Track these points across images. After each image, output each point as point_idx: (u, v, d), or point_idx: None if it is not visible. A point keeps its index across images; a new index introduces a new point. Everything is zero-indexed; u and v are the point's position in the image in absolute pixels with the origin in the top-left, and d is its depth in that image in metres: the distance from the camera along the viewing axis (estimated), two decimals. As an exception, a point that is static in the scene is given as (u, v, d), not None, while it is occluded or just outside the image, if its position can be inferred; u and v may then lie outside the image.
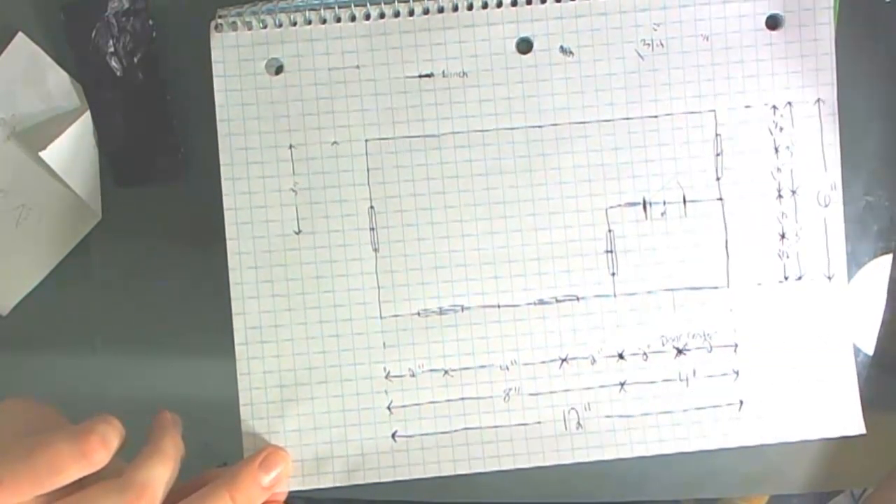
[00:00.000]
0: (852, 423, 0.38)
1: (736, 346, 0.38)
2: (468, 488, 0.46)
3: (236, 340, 0.37)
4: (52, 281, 0.44)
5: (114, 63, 0.40)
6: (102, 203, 0.43)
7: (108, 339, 0.39)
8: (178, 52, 0.40)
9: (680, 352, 0.37)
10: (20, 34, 0.41)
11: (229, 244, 0.37)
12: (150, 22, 0.40)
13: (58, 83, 0.41)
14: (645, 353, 0.37)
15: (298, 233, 0.37)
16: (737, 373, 0.38)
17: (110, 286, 0.44)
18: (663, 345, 0.38)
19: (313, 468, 0.37)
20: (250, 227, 0.37)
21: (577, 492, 0.46)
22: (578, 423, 0.37)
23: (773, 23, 0.37)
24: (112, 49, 0.40)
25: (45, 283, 0.44)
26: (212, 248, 0.43)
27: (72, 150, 0.41)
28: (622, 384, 0.37)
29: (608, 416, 0.37)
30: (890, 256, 0.42)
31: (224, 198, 0.38)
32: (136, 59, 0.40)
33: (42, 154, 0.41)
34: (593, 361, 0.37)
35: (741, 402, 0.38)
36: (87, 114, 0.41)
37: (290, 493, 0.43)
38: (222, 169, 0.37)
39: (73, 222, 0.43)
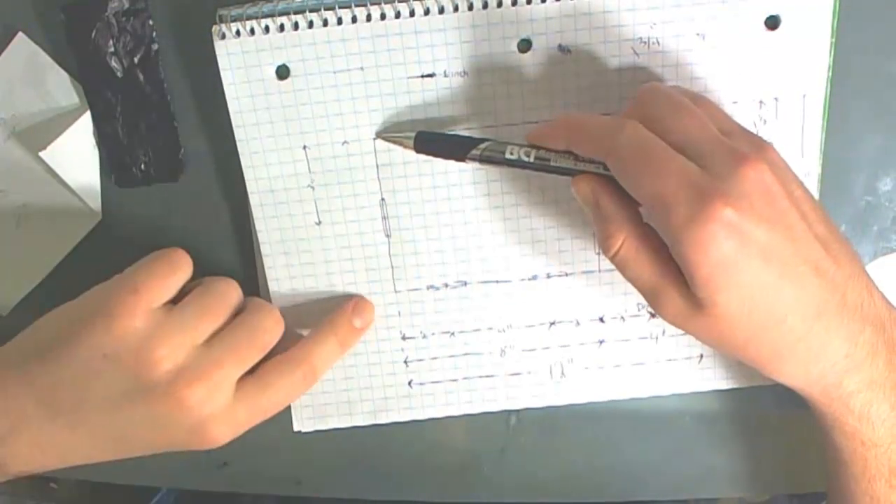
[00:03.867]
0: None
1: None
2: (468, 488, 0.46)
3: None
4: (52, 281, 0.44)
5: (114, 63, 0.40)
6: (102, 203, 0.43)
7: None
8: (178, 52, 0.40)
9: (653, 315, 0.42)
10: (20, 34, 0.41)
11: (259, 235, 0.41)
12: (150, 22, 0.40)
13: (58, 83, 0.41)
14: (623, 317, 0.42)
15: (319, 223, 0.40)
16: None
17: (110, 286, 0.44)
18: (639, 310, 0.42)
19: (346, 409, 0.44)
20: (276, 220, 0.41)
21: (577, 492, 0.46)
22: (562, 372, 0.43)
23: (773, 23, 0.37)
24: (112, 49, 0.40)
25: (45, 283, 0.44)
26: (212, 248, 0.43)
27: (72, 150, 0.42)
28: (601, 342, 0.42)
29: (587, 368, 0.43)
30: (890, 256, 0.42)
31: (250, 196, 0.40)
32: (136, 59, 0.40)
33: (42, 154, 0.41)
34: (577, 324, 0.42)
35: (701, 356, 0.42)
36: (87, 114, 0.41)
37: (290, 493, 0.44)
38: (245, 171, 0.40)
39: (73, 222, 0.43)
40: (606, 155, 0.33)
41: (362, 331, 0.41)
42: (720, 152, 0.31)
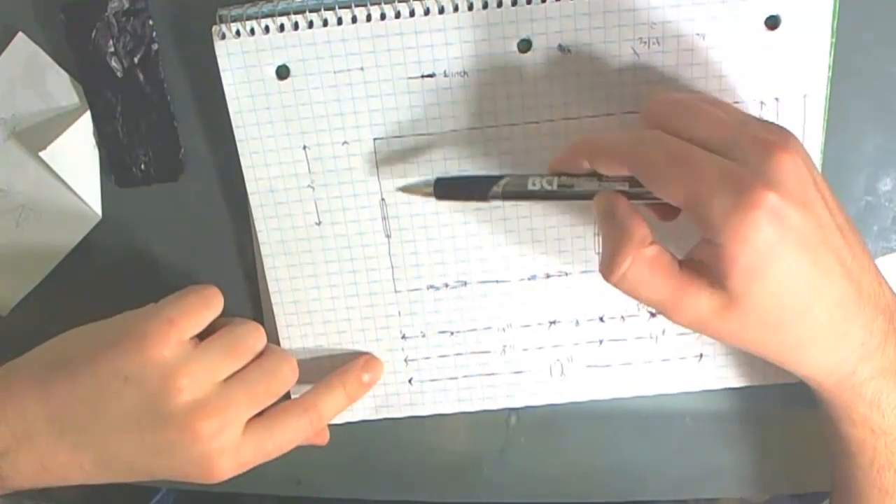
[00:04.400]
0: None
1: None
2: (468, 488, 0.46)
3: (276, 313, 0.42)
4: (52, 281, 0.44)
5: (114, 63, 0.40)
6: (102, 203, 0.43)
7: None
8: (178, 52, 0.40)
9: (653, 315, 0.42)
10: (20, 34, 0.41)
11: (259, 235, 0.41)
12: (150, 22, 0.40)
13: (58, 83, 0.41)
14: (622, 317, 0.42)
15: (319, 223, 0.41)
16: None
17: (110, 286, 0.44)
18: (638, 310, 0.42)
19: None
20: (276, 220, 0.41)
21: (577, 492, 0.46)
22: (562, 371, 0.43)
23: (773, 23, 0.37)
24: (112, 49, 0.40)
25: (45, 283, 0.44)
26: (212, 248, 0.43)
27: (72, 150, 0.41)
28: (601, 341, 0.42)
29: (587, 367, 0.43)
30: (890, 256, 0.42)
31: (250, 196, 0.40)
32: (136, 59, 0.40)
33: (42, 154, 0.41)
34: (577, 324, 0.42)
35: (701, 355, 0.42)
36: (87, 114, 0.41)
37: (291, 493, 0.44)
38: (245, 171, 0.40)
39: (73, 222, 0.43)
40: (635, 166, 0.32)
41: (370, 386, 0.43)
42: (747, 143, 0.31)
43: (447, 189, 0.38)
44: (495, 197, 0.36)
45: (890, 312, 0.33)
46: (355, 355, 0.43)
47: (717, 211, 0.30)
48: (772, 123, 0.33)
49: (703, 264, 0.32)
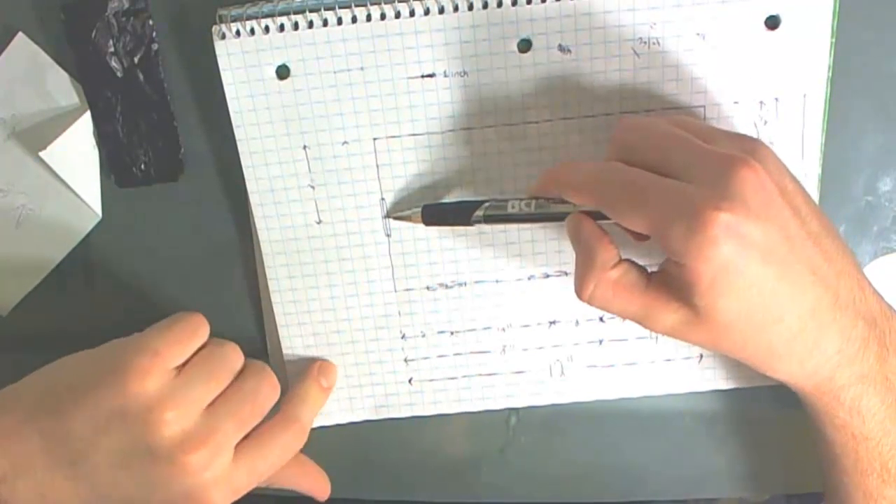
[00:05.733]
0: None
1: None
2: (468, 488, 0.46)
3: (276, 313, 0.42)
4: (52, 281, 0.44)
5: (114, 63, 0.40)
6: (102, 203, 0.43)
7: (108, 339, 0.39)
8: (178, 52, 0.40)
9: None
10: (20, 34, 0.41)
11: (260, 234, 0.41)
12: (150, 22, 0.40)
13: (58, 83, 0.41)
14: None
15: (319, 223, 0.41)
16: None
17: (110, 286, 0.44)
18: None
19: (347, 406, 0.44)
20: (276, 219, 0.41)
21: (577, 492, 0.46)
22: (562, 371, 0.43)
23: (773, 23, 0.37)
24: (112, 49, 0.40)
25: (45, 283, 0.44)
26: (211, 248, 0.43)
27: (72, 150, 0.41)
28: (600, 341, 0.42)
29: (587, 367, 0.43)
30: (890, 256, 0.42)
31: (250, 195, 0.40)
32: (136, 59, 0.40)
33: (42, 154, 0.41)
34: (577, 324, 0.42)
35: (701, 356, 0.42)
36: (87, 114, 0.41)
37: (291, 493, 0.44)
38: (245, 171, 0.40)
39: (73, 222, 0.43)
40: (597, 199, 0.33)
41: (329, 391, 0.43)
42: (706, 162, 0.31)
43: (434, 215, 0.39)
44: (478, 221, 0.37)
45: (872, 317, 0.33)
46: (310, 361, 0.43)
47: (675, 235, 0.30)
48: (742, 135, 0.34)
49: (672, 278, 0.32)
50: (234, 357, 0.39)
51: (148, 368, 0.36)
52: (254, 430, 0.38)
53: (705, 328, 0.32)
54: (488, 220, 0.37)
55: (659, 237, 0.31)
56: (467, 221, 0.38)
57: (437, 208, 0.39)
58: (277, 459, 0.39)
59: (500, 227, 0.40)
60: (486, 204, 0.37)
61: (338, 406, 0.44)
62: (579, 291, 0.34)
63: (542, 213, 0.36)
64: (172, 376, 0.36)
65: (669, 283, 0.33)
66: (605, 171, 0.33)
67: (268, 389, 0.39)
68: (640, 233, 0.32)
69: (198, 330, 0.38)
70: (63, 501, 0.36)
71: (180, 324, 0.38)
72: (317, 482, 0.43)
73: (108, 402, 0.35)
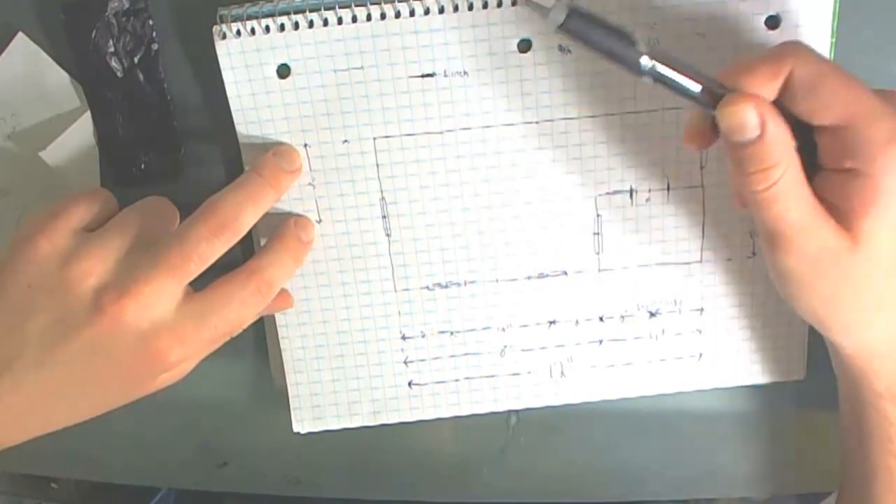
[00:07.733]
0: (795, 370, 0.42)
1: (702, 309, 0.42)
2: (468, 488, 0.46)
3: (276, 314, 0.42)
4: (51, 281, 0.44)
5: (114, 63, 0.40)
6: (102, 203, 0.43)
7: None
8: (178, 52, 0.40)
9: (652, 315, 0.42)
10: (20, 34, 0.41)
11: (260, 234, 0.40)
12: (150, 22, 0.40)
13: (58, 83, 0.41)
14: (622, 317, 0.42)
15: (319, 222, 0.40)
16: (700, 331, 0.42)
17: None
18: (638, 309, 0.42)
19: (346, 410, 0.44)
20: (276, 219, 0.40)
21: (577, 492, 0.46)
22: (562, 372, 0.43)
23: (773, 23, 0.37)
24: (112, 49, 0.40)
25: (45, 284, 0.44)
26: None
27: (72, 150, 0.42)
28: (600, 341, 0.42)
29: (587, 367, 0.43)
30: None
31: None
32: (136, 59, 0.40)
33: (42, 154, 0.41)
34: (576, 324, 0.42)
35: (701, 354, 0.42)
36: (87, 114, 0.41)
37: (291, 493, 0.44)
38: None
39: (72, 222, 0.43)
40: (798, 65, 0.30)
41: (309, 244, 0.40)
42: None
43: (581, 24, 0.31)
44: (645, 55, 0.32)
45: None
46: (287, 216, 0.40)
47: (876, 135, 0.29)
48: None
49: (836, 192, 0.30)
50: (158, 206, 0.37)
51: (51, 229, 0.34)
52: (212, 282, 0.36)
53: (849, 261, 0.30)
54: (654, 55, 0.32)
55: (855, 130, 0.29)
56: (630, 51, 0.32)
57: (588, 17, 0.32)
58: (235, 313, 0.36)
59: (501, 219, 0.40)
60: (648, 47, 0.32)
61: (336, 410, 0.44)
62: (772, 172, 0.30)
63: (710, 88, 0.32)
64: (83, 235, 0.35)
65: (830, 198, 0.31)
66: (800, 48, 0.31)
67: (166, 210, 0.38)
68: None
69: (100, 195, 0.37)
70: (18, 415, 0.34)
71: (82, 191, 0.37)
72: (279, 300, 0.41)
73: (18, 278, 0.34)
